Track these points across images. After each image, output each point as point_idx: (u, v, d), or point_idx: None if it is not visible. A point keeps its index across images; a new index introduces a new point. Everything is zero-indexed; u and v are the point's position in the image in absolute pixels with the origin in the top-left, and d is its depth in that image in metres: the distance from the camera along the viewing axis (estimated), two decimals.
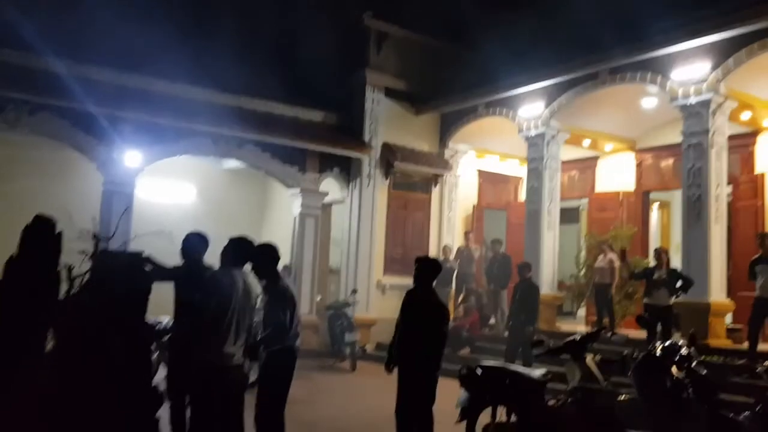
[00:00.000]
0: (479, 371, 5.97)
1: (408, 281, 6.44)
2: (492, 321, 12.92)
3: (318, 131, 13.67)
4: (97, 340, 4.29)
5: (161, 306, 5.87)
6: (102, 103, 10.77)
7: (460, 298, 13.46)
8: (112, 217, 11.32)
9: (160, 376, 5.70)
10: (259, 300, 5.40)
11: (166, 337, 6.89)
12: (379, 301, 13.66)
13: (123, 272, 4.67)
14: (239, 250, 5.15)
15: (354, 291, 13.01)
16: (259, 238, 14.36)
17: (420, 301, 6.22)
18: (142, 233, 5.25)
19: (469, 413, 5.86)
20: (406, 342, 6.16)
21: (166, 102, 11.80)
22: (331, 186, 14.13)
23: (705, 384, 4.79)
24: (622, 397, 4.11)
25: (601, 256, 11.76)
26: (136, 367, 4.54)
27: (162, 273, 5.35)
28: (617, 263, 11.43)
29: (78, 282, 4.47)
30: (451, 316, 12.39)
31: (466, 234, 14.22)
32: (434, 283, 6.49)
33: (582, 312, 13.82)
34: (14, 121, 10.74)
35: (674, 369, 3.83)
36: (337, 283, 14.23)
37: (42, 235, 3.96)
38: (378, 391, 7.98)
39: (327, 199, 14.18)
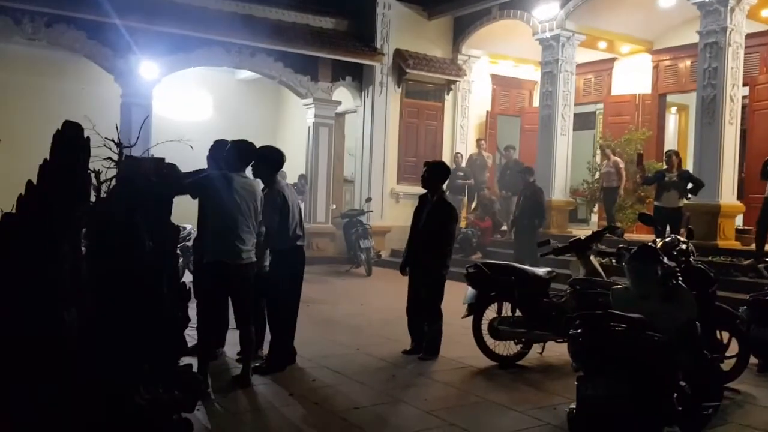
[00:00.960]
0: (486, 269, 6.19)
1: (421, 189, 6.58)
2: (504, 227, 13.12)
3: (329, 38, 13.50)
4: (125, 242, 4.52)
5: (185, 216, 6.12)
6: (117, 14, 10.67)
7: (472, 206, 13.63)
8: (131, 127, 11.52)
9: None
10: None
11: (190, 242, 7.17)
12: (393, 209, 13.88)
13: (147, 177, 4.85)
14: (239, 153, 5.17)
15: (368, 199, 13.23)
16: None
17: (428, 203, 6.41)
18: (163, 141, 5.37)
19: (475, 309, 6.13)
20: (416, 242, 6.40)
21: (179, 12, 11.66)
22: (344, 95, 14.10)
23: (701, 276, 4.98)
24: (617, 287, 4.28)
25: (605, 161, 11.80)
26: (164, 265, 4.79)
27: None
28: (622, 164, 11.48)
29: (105, 187, 4.70)
30: (464, 224, 12.72)
31: (478, 141, 14.24)
32: (446, 189, 6.66)
33: (595, 218, 13.96)
34: (32, 33, 10.80)
35: (666, 259, 3.98)
36: (352, 193, 14.46)
37: (71, 140, 4.12)
38: (392, 293, 8.30)
39: (340, 109, 14.19)
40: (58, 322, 3.74)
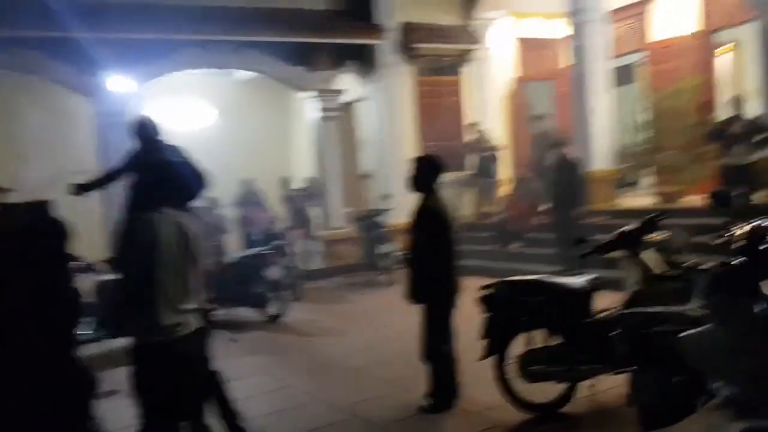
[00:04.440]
0: (502, 290, 4.65)
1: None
2: (542, 207, 11.41)
3: (322, 21, 12.00)
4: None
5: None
6: (71, 27, 9.35)
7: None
8: (109, 148, 10.37)
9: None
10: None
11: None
12: None
13: (24, 228, 3.71)
14: (156, 180, 3.71)
15: (385, 196, 11.70)
16: (286, 150, 12.89)
17: (417, 209, 4.96)
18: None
19: (496, 347, 4.60)
20: (407, 264, 4.96)
21: (143, 15, 10.31)
22: (349, 83, 12.62)
23: None
24: (691, 333, 2.71)
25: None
26: (56, 345, 3.58)
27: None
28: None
29: None
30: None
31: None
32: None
33: (647, 181, 12.11)
34: None
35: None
36: (372, 189, 12.98)
37: None
38: (414, 311, 6.87)
39: (347, 98, 12.72)
40: None
